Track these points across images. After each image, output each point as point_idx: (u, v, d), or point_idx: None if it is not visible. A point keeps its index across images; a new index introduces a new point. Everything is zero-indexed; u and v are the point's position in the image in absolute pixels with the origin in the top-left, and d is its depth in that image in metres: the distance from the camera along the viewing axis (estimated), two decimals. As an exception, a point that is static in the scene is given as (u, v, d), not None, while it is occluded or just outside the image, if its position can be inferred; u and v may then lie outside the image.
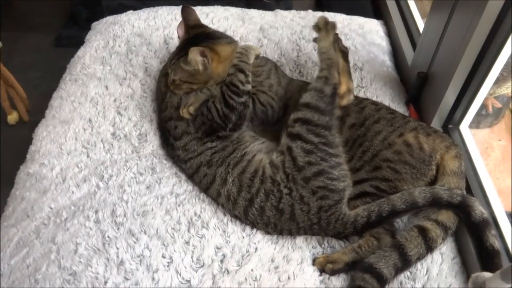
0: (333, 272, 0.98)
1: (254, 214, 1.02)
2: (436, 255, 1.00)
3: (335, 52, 1.13)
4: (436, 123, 1.26)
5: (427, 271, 0.98)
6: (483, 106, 1.69)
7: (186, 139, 1.13)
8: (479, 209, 0.97)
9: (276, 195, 1.01)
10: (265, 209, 1.01)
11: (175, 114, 1.15)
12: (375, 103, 1.19)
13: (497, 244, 0.95)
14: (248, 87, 1.12)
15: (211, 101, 1.12)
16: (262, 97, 1.17)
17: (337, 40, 1.17)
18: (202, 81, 1.16)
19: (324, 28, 1.15)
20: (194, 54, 1.09)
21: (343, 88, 1.13)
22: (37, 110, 1.39)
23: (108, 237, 1.00)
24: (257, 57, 1.22)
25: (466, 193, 1.03)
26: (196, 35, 1.20)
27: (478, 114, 1.65)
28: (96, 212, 1.05)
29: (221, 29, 1.37)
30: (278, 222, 1.01)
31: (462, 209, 0.98)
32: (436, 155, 1.05)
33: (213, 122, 1.10)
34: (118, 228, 1.02)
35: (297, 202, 0.99)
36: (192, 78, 1.15)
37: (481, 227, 0.96)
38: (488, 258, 0.94)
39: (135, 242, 0.99)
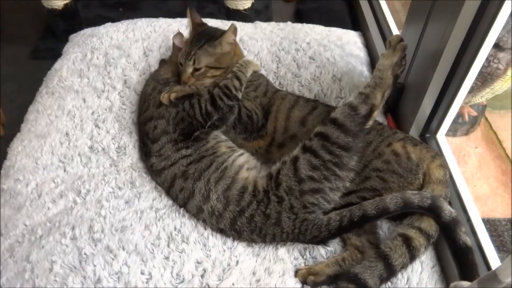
0: (315, 285, 0.97)
1: (243, 222, 1.02)
2: (416, 264, 1.01)
3: (391, 74, 1.11)
4: (413, 132, 1.27)
5: (407, 280, 0.99)
6: (459, 114, 1.73)
7: (164, 140, 1.13)
8: (448, 209, 0.99)
9: (265, 202, 1.01)
10: (255, 215, 1.01)
11: (156, 112, 1.17)
12: None
13: (469, 241, 0.97)
14: (239, 94, 1.18)
15: (196, 98, 1.15)
16: (246, 103, 1.21)
17: (400, 63, 1.14)
18: (226, 65, 1.23)
19: (394, 46, 1.14)
20: (233, 30, 1.20)
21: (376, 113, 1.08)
22: (13, 124, 1.36)
23: (85, 254, 0.98)
24: (254, 72, 1.28)
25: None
26: (205, 30, 1.28)
27: (455, 122, 1.69)
28: (73, 228, 1.03)
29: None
30: (263, 226, 1.01)
31: (432, 211, 0.99)
32: (423, 164, 1.07)
33: (193, 119, 1.13)
34: (95, 245, 1.00)
35: (285, 210, 1.00)
36: (218, 63, 1.22)
37: (451, 226, 0.98)
38: (463, 256, 0.96)
39: (113, 259, 0.97)
